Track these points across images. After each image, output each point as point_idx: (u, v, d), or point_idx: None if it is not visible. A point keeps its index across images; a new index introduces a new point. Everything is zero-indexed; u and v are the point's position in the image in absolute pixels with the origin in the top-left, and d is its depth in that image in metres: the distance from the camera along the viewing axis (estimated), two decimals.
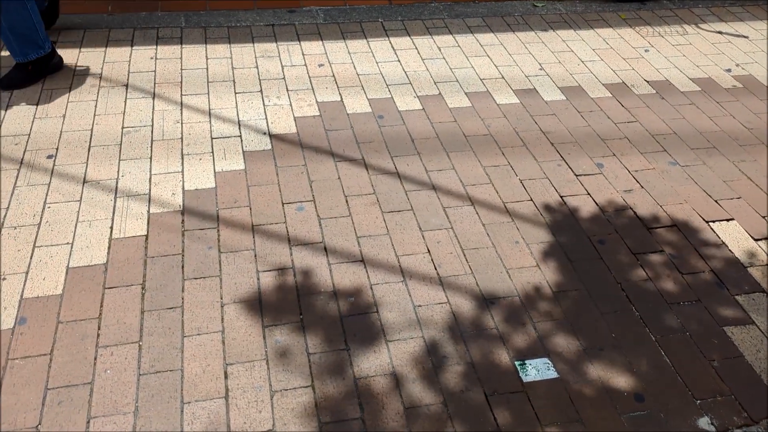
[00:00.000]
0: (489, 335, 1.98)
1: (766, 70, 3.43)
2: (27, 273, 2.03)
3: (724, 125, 3.00)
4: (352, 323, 1.98)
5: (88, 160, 2.49)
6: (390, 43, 3.42)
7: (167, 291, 2.03)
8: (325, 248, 2.22)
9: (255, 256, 2.17)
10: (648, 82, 3.29)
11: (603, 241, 2.35)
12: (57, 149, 2.52)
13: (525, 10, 3.86)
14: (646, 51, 3.55)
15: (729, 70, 3.43)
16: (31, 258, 2.08)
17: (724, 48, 3.63)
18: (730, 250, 2.35)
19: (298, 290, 2.07)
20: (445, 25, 3.63)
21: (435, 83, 3.13)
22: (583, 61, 3.41)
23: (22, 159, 2.46)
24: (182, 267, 2.11)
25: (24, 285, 2.00)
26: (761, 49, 3.64)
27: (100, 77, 2.95)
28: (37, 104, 2.75)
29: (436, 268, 2.19)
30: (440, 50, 3.39)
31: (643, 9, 3.98)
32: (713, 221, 2.47)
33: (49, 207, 2.27)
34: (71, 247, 2.13)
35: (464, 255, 2.24)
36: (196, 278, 2.08)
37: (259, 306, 2.01)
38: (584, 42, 3.58)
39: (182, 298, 2.01)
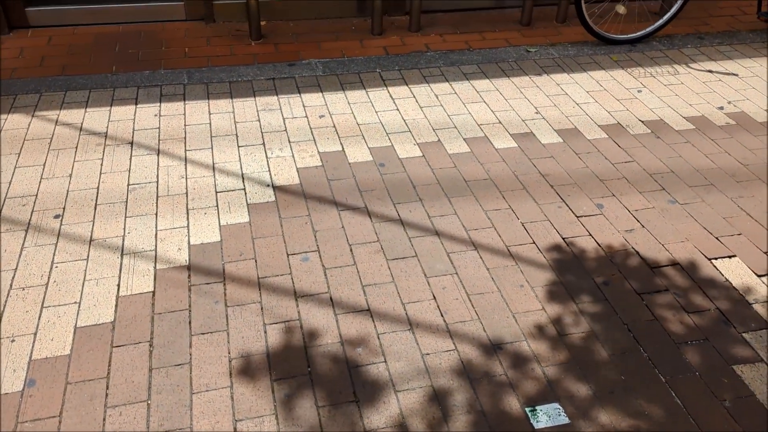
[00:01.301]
0: (498, 382, 1.98)
1: None
2: (35, 334, 2.04)
3: (720, 162, 3.04)
4: (361, 374, 1.98)
5: (94, 218, 2.52)
6: (388, 92, 3.49)
7: (175, 347, 2.03)
8: (331, 298, 2.24)
9: (261, 308, 2.18)
10: (643, 122, 3.34)
11: (607, 282, 2.36)
12: (64, 209, 2.56)
13: (519, 56, 3.95)
14: (639, 91, 3.62)
15: (721, 108, 3.49)
16: (39, 319, 2.09)
17: (716, 86, 3.70)
18: (734, 287, 2.36)
19: (305, 342, 2.07)
20: (441, 73, 3.71)
21: (434, 130, 3.19)
22: (577, 104, 3.47)
23: (30, 220, 2.50)
24: (189, 322, 2.12)
25: (33, 346, 2.00)
26: (752, 86, 3.71)
27: (106, 136, 3.01)
28: (44, 165, 2.80)
29: (442, 315, 2.19)
30: (437, 98, 3.46)
31: (634, 51, 4.07)
32: (715, 258, 2.49)
33: (56, 267, 2.29)
34: (78, 307, 2.14)
35: (470, 300, 2.25)
36: (203, 333, 2.08)
37: (267, 359, 2.01)
38: (578, 85, 3.66)
39: (190, 354, 2.01)
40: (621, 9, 4.11)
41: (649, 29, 4.13)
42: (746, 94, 3.63)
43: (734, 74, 3.84)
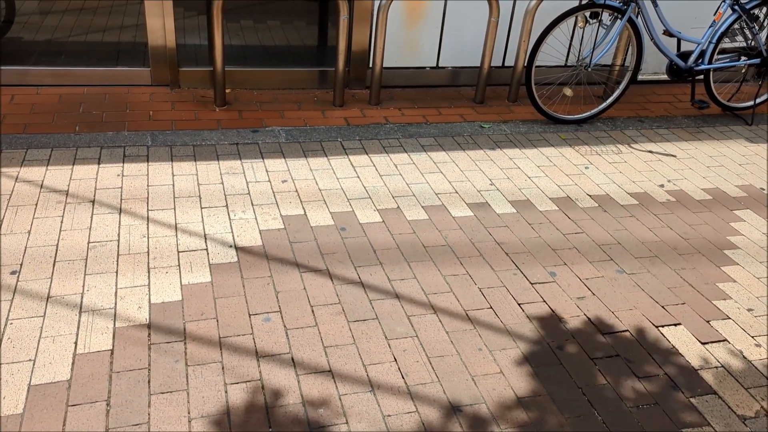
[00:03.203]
0: None
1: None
2: None
3: (663, 236, 3.23)
4: None
5: (52, 275, 2.48)
6: (349, 160, 3.60)
7: (133, 407, 1.99)
8: (293, 359, 2.24)
9: (222, 368, 2.17)
10: (590, 196, 3.53)
11: (561, 347, 2.44)
12: (21, 265, 2.52)
13: (473, 131, 4.15)
14: (586, 168, 3.83)
15: (662, 186, 3.72)
16: None
17: (656, 165, 3.95)
18: (680, 354, 2.47)
19: (266, 402, 2.06)
20: (399, 144, 3.86)
21: (393, 197, 3.29)
22: (529, 177, 3.65)
23: None
24: (148, 381, 2.08)
25: None
26: (688, 167, 3.98)
27: (67, 194, 2.99)
28: (1, 221, 2.76)
29: (403, 377, 2.22)
30: (396, 167, 3.59)
31: (580, 130, 4.33)
32: (662, 326, 2.61)
33: (11, 323, 2.23)
34: (33, 364, 2.09)
35: (430, 363, 2.29)
36: (162, 393, 2.05)
37: (228, 420, 1.99)
38: (529, 159, 3.85)
39: (148, 414, 1.97)
40: (568, 92, 4.39)
41: (593, 111, 4.42)
42: (684, 174, 3.89)
43: (672, 155, 4.11)
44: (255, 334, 2.32)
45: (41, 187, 3.03)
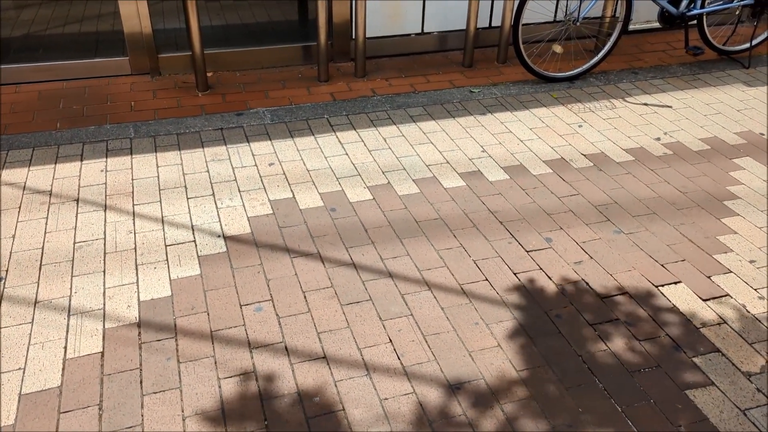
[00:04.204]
0: (458, 422, 1.97)
1: None
2: None
3: (661, 191, 3.15)
4: (319, 424, 1.95)
5: (39, 279, 2.45)
6: (337, 137, 3.53)
7: (126, 409, 1.97)
8: (286, 348, 2.21)
9: (215, 362, 2.14)
10: (585, 155, 3.45)
11: (560, 315, 2.39)
12: (7, 271, 2.48)
13: (463, 97, 4.05)
14: (579, 126, 3.74)
15: (658, 139, 3.63)
16: None
17: (651, 118, 3.86)
18: (681, 313, 2.42)
19: (261, 395, 2.04)
20: (388, 117, 3.77)
21: (383, 173, 3.23)
22: (522, 141, 3.57)
23: None
24: (140, 382, 2.06)
25: None
26: (685, 116, 3.88)
27: (50, 194, 2.95)
28: None
29: (399, 358, 2.19)
30: (386, 141, 3.52)
31: (573, 87, 4.22)
32: (662, 285, 2.55)
33: None
34: (23, 373, 2.07)
35: (426, 341, 2.26)
36: (155, 392, 2.03)
37: (222, 415, 1.96)
38: (521, 122, 3.76)
39: (142, 415, 1.95)
40: (557, 48, 4.27)
41: (585, 66, 4.30)
42: (680, 124, 3.79)
43: (668, 106, 4.01)
44: (247, 325, 2.29)
45: (24, 189, 2.98)
